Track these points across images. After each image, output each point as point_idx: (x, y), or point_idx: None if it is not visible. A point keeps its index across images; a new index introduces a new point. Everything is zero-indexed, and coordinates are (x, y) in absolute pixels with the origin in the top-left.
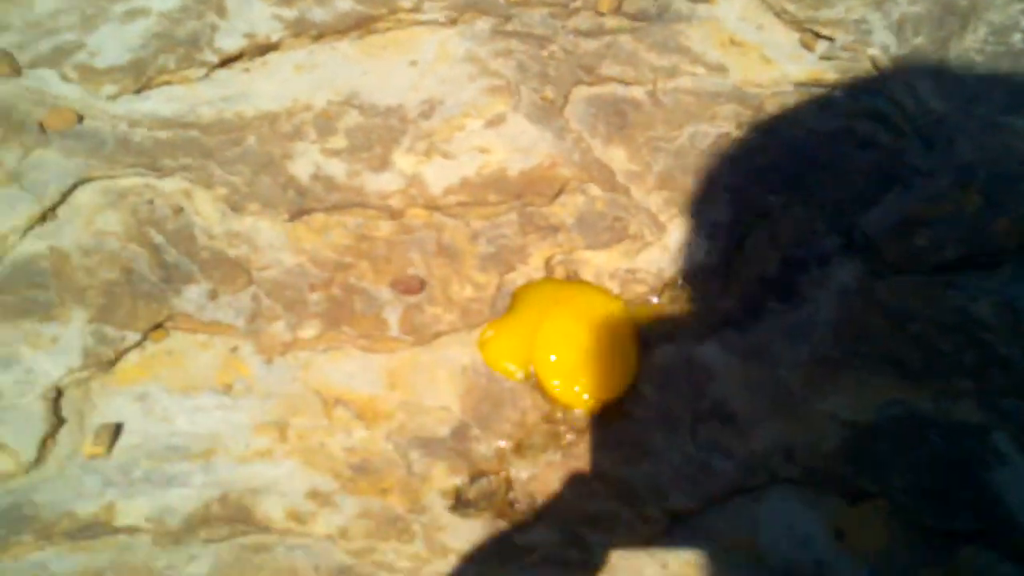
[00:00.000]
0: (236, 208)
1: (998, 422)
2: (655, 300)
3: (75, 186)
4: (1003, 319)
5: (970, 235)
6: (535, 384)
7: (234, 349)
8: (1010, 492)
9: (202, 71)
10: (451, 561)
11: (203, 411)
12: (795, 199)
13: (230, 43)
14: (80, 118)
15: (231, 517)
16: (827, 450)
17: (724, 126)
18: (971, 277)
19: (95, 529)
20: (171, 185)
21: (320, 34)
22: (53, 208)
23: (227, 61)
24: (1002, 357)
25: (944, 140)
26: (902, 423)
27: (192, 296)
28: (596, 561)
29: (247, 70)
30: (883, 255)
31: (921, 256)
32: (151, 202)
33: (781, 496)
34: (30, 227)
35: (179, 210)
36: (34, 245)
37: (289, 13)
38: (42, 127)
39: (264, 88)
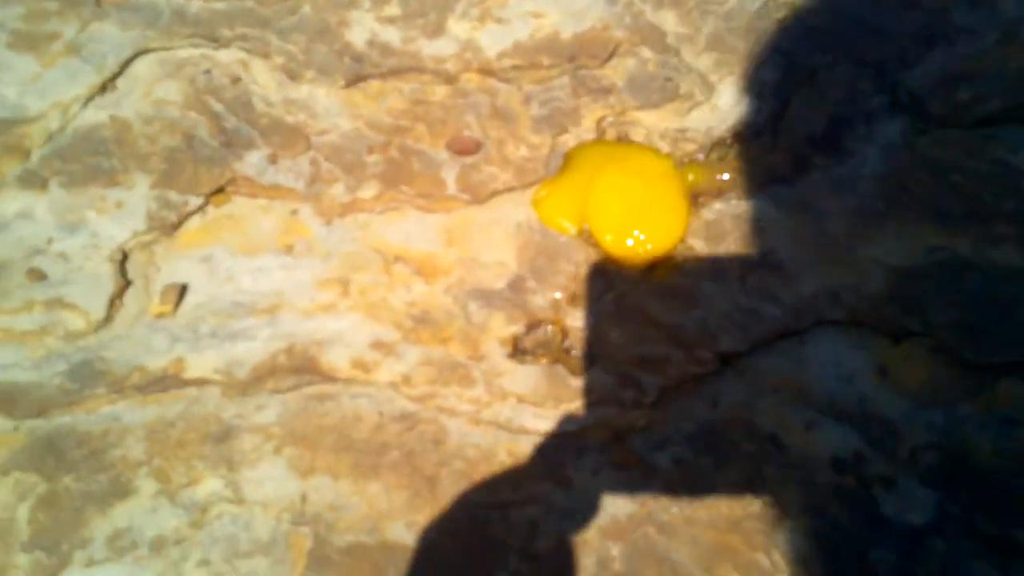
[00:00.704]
0: (293, 76)
1: None
2: (703, 158)
3: (133, 57)
4: None
5: (1013, 89)
6: (588, 239)
7: (294, 212)
8: None
9: None
10: (511, 403)
11: (266, 271)
12: (841, 59)
13: None
14: None
15: (297, 368)
16: (871, 293)
17: None
18: (1013, 130)
19: (165, 382)
20: (228, 55)
21: None
22: (112, 79)
23: None
24: None
25: None
26: (944, 267)
27: (252, 161)
28: (649, 400)
29: None
30: (927, 110)
31: (964, 110)
32: (208, 72)
33: (827, 337)
34: (91, 97)
35: (237, 79)
36: (96, 114)
37: None
38: (98, 1)
39: None
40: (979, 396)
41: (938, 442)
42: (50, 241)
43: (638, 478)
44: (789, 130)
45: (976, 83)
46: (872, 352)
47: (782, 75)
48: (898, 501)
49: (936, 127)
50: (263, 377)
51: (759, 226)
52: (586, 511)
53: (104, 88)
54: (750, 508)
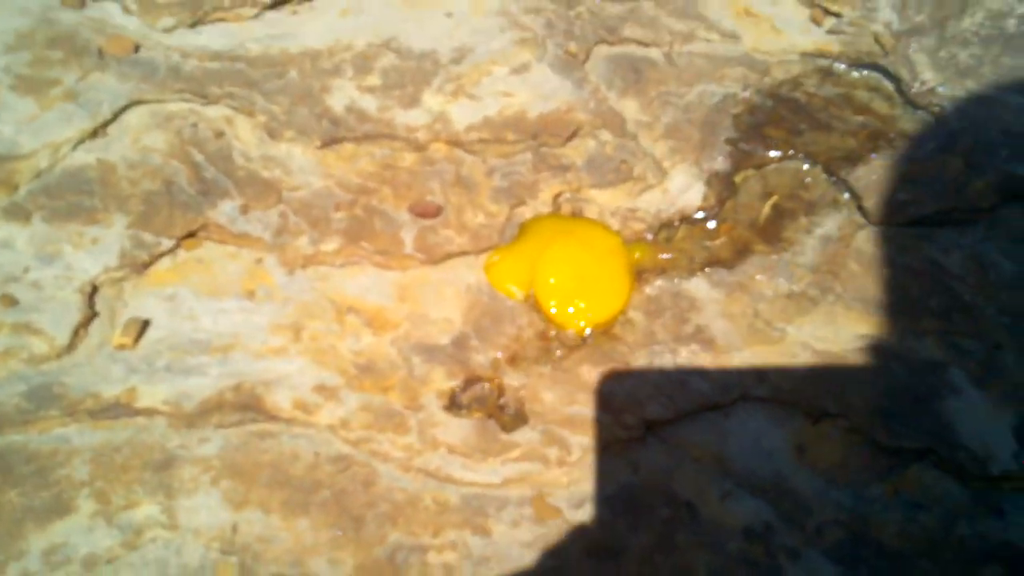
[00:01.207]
0: (273, 134)
1: (957, 359)
2: (651, 237)
3: (126, 107)
4: (971, 270)
5: (948, 194)
6: (533, 305)
7: (259, 260)
8: (960, 420)
9: (254, 10)
10: (441, 453)
11: (226, 313)
12: (790, 154)
13: None
14: (137, 47)
15: (242, 405)
16: (796, 374)
17: (732, 87)
18: (946, 232)
19: (116, 410)
20: (215, 111)
21: None
22: (104, 125)
23: (278, 3)
24: (966, 303)
25: (934, 109)
26: (868, 354)
27: (225, 210)
28: (573, 459)
29: (295, 12)
30: (866, 208)
31: (902, 210)
32: (195, 125)
33: (750, 413)
34: (81, 140)
35: (220, 134)
36: (84, 157)
37: None
38: (101, 53)
39: (310, 28)
40: (889, 478)
41: (846, 520)
42: (26, 270)
43: (555, 533)
44: (733, 217)
45: (915, 186)
46: (792, 429)
47: (732, 165)
48: (802, 573)
49: (873, 223)
50: (209, 411)
51: (696, 304)
52: (502, 560)
53: (96, 133)
54: (660, 570)
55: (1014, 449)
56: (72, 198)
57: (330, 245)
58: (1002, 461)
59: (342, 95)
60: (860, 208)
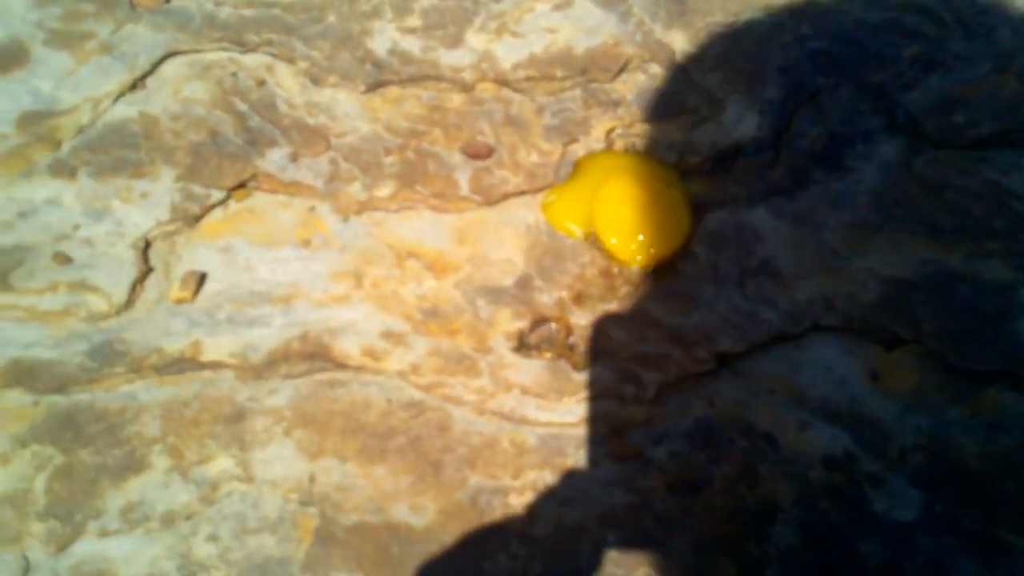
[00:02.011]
0: (316, 80)
1: None
2: (708, 170)
3: (163, 58)
4: None
5: (1005, 114)
6: (594, 242)
7: (312, 208)
8: None
9: None
10: (515, 394)
11: (283, 262)
12: (843, 81)
13: None
14: None
15: (310, 354)
16: (865, 301)
17: (779, 15)
18: (1005, 153)
19: (182, 364)
20: (254, 59)
21: None
22: (143, 77)
23: None
24: None
25: (985, 30)
26: (935, 278)
27: (274, 158)
28: (648, 396)
29: None
30: (923, 132)
31: (959, 133)
32: (235, 74)
33: (821, 342)
34: (122, 93)
35: (262, 82)
36: (125, 110)
37: None
38: (132, 4)
39: None
40: (966, 402)
41: (926, 444)
42: (76, 227)
43: (635, 470)
44: (790, 146)
45: (970, 108)
46: (864, 357)
47: (785, 94)
48: (886, 499)
49: (931, 148)
50: (276, 362)
51: (759, 235)
52: (584, 499)
53: (135, 86)
54: (744, 501)
55: None
56: (117, 152)
57: (384, 190)
58: None
59: (383, 38)
60: (917, 132)
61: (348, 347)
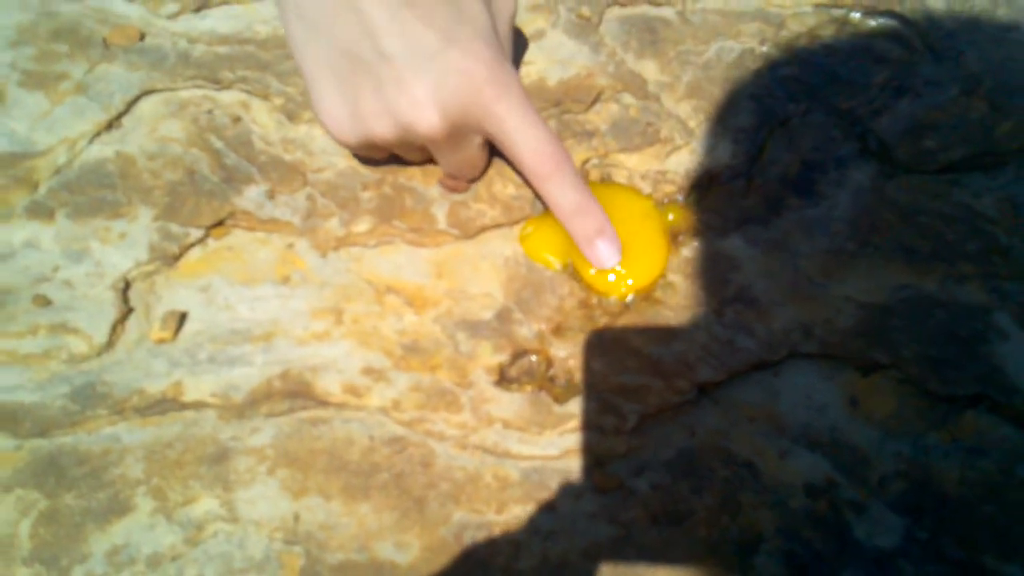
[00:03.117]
0: (291, 116)
1: (1000, 303)
2: (683, 199)
3: (139, 97)
4: (1005, 213)
5: (976, 138)
6: (572, 274)
7: (291, 245)
8: (1010, 363)
9: None
10: (497, 428)
11: (263, 300)
12: (814, 107)
13: None
14: (142, 35)
15: (292, 392)
16: (842, 328)
17: (748, 42)
18: (976, 176)
19: (164, 405)
20: (230, 96)
21: None
22: (119, 117)
23: None
24: (1003, 246)
25: (953, 54)
26: (911, 303)
27: (251, 196)
28: (629, 426)
29: None
30: (895, 157)
31: (930, 157)
32: (211, 112)
33: (799, 369)
34: (97, 133)
35: (237, 119)
36: (102, 150)
37: None
38: (106, 43)
39: None
40: (944, 427)
41: (906, 470)
42: (56, 269)
43: (618, 502)
44: (764, 173)
45: (940, 132)
46: (843, 384)
47: (757, 122)
48: (868, 526)
49: (903, 172)
50: (258, 401)
51: (735, 263)
52: (568, 533)
53: (110, 125)
54: (727, 532)
55: None
56: (94, 193)
57: (361, 226)
58: None
59: None
60: (889, 158)
61: (329, 384)
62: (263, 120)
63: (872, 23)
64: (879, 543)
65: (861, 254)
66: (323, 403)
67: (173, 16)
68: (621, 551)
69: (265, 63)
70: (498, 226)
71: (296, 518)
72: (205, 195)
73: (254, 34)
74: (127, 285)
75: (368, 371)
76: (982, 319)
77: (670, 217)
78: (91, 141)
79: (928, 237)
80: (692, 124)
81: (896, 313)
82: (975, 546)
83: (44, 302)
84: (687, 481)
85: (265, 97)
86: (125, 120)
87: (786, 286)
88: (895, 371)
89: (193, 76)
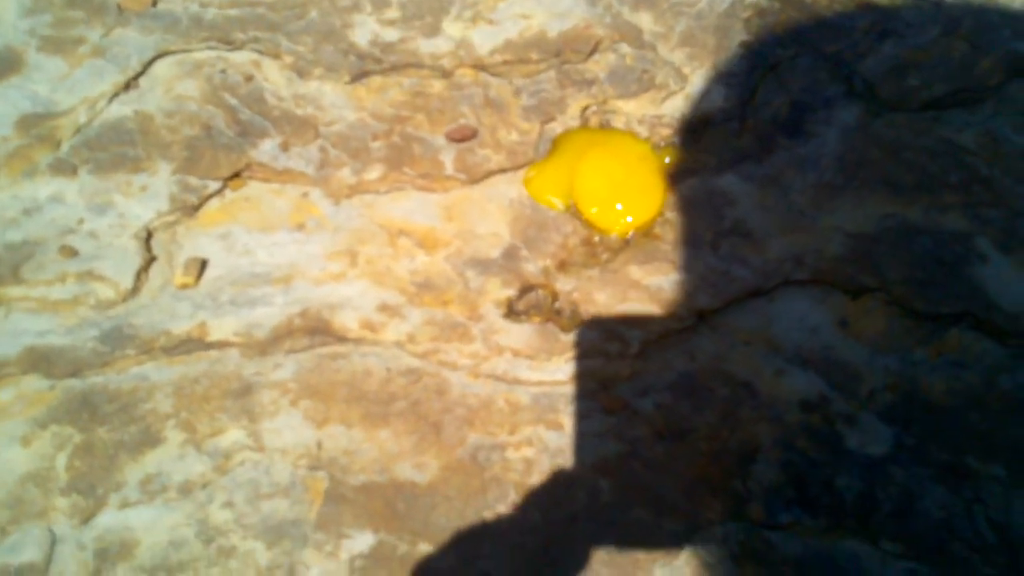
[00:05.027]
0: (302, 73)
1: (981, 228)
2: (678, 141)
3: (154, 59)
4: (985, 145)
5: (956, 75)
6: (575, 213)
7: (305, 194)
8: (991, 284)
9: None
10: (507, 357)
11: (280, 245)
12: (802, 52)
13: None
14: (155, 0)
15: (311, 329)
16: (832, 255)
17: None
18: (957, 112)
19: (189, 345)
20: (241, 56)
21: None
22: (136, 77)
23: None
24: (984, 176)
25: None
26: (897, 231)
27: (266, 148)
28: (633, 352)
29: None
30: (879, 96)
31: (913, 95)
32: (224, 71)
33: (792, 295)
34: (116, 94)
35: (250, 77)
36: (120, 109)
37: None
38: (120, 9)
39: None
40: (930, 343)
41: (894, 384)
42: (81, 221)
43: (624, 421)
44: (756, 115)
45: (922, 71)
46: (833, 307)
47: (748, 67)
48: (859, 436)
49: (888, 111)
50: (280, 338)
51: (730, 199)
52: (577, 451)
53: (128, 86)
54: (727, 444)
55: None
56: (115, 149)
57: (372, 174)
58: None
59: (364, 30)
60: (874, 97)
61: (347, 321)
62: (275, 78)
63: None
64: (870, 451)
65: (849, 187)
66: (341, 339)
67: None
68: (628, 465)
69: (275, 24)
70: (503, 171)
71: (319, 445)
72: (222, 149)
73: None
74: (149, 235)
75: (383, 308)
76: (964, 244)
77: (667, 159)
78: (110, 101)
79: (912, 170)
80: (686, 71)
81: (882, 241)
82: (960, 450)
83: (71, 252)
84: (689, 401)
85: (276, 56)
86: (142, 81)
87: (779, 219)
88: (883, 293)
89: (206, 38)
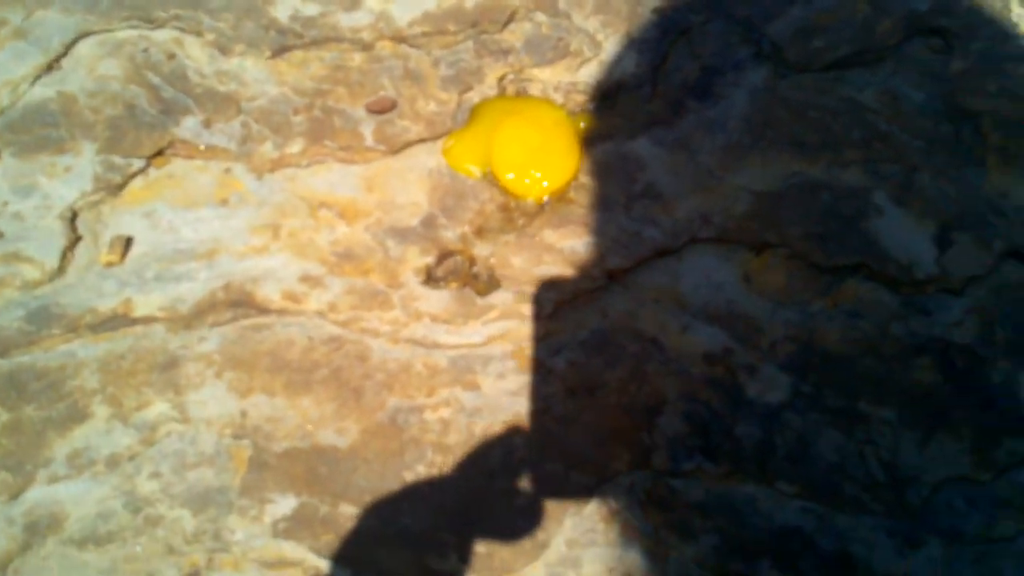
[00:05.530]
0: (223, 50)
1: (878, 183)
2: (593, 107)
3: (76, 40)
4: (885, 103)
5: (859, 36)
6: (492, 180)
7: (228, 169)
8: (886, 236)
9: None
10: (425, 323)
11: (204, 221)
12: (713, 17)
13: None
14: None
15: (234, 302)
16: (738, 214)
17: None
18: (859, 72)
19: (115, 321)
20: (164, 35)
21: None
22: (58, 59)
23: None
24: (883, 132)
25: None
26: (800, 188)
27: (189, 126)
28: (546, 313)
29: None
30: (786, 58)
31: (818, 56)
32: (146, 50)
33: (699, 253)
34: (38, 76)
35: (172, 55)
36: (43, 91)
37: None
38: None
39: None
40: (828, 294)
41: (794, 335)
42: (5, 204)
43: (538, 380)
44: (667, 80)
45: (827, 33)
46: (738, 263)
47: (660, 33)
48: (760, 385)
49: (794, 72)
50: (204, 312)
51: (642, 163)
52: (493, 409)
53: (50, 67)
54: (635, 398)
55: (935, 255)
56: (39, 131)
57: (294, 147)
58: (925, 267)
59: (285, 5)
60: (781, 59)
61: (269, 293)
62: (196, 55)
63: None
64: (769, 399)
65: (755, 148)
66: (264, 310)
67: None
68: (541, 421)
69: (196, 1)
70: (422, 140)
71: (243, 414)
72: (145, 127)
73: None
74: (74, 215)
75: (305, 279)
76: (862, 198)
77: (582, 125)
78: (32, 83)
79: (816, 129)
80: (600, 38)
81: (786, 198)
82: (853, 395)
83: None
84: (600, 357)
85: (198, 33)
86: (64, 62)
87: (688, 180)
88: (784, 248)
89: (127, 17)
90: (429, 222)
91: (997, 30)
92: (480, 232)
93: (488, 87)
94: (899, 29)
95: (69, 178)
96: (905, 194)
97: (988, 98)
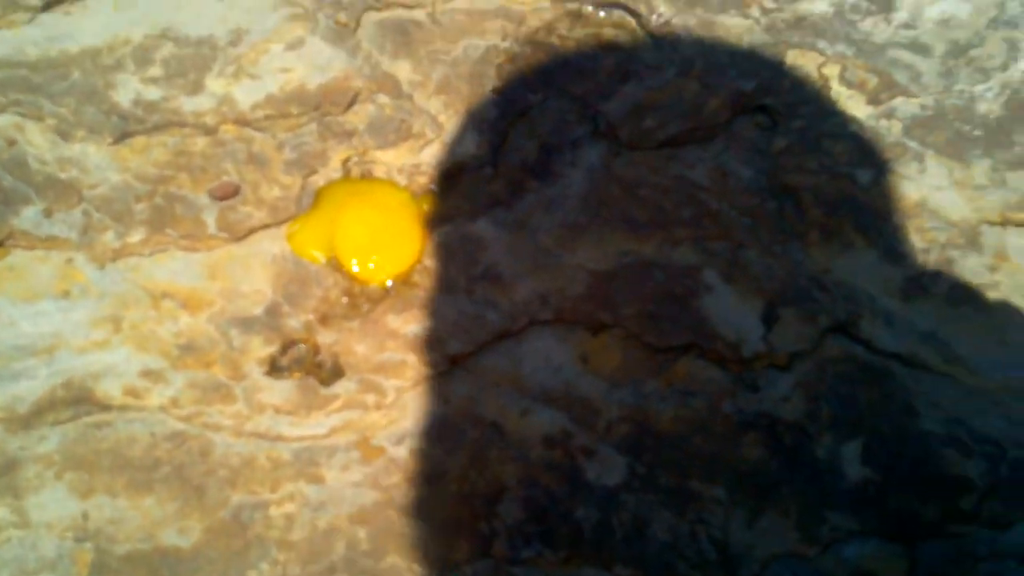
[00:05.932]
0: (65, 136)
1: (708, 261)
2: (436, 189)
3: None
4: (715, 180)
5: (689, 114)
6: (336, 266)
7: (70, 260)
8: (715, 314)
9: (27, 15)
10: (269, 415)
11: (44, 315)
12: (551, 95)
13: None
14: None
15: (74, 399)
16: (574, 294)
17: (493, 39)
18: (690, 149)
19: None
20: (3, 120)
21: None
22: None
23: (50, 5)
24: (713, 210)
25: (670, 39)
26: (633, 267)
27: (29, 215)
28: (389, 401)
29: (69, 12)
30: (620, 136)
31: (650, 134)
32: None
33: (538, 335)
34: None
35: (13, 142)
36: None
37: None
38: None
39: (86, 27)
40: (661, 374)
41: (629, 415)
42: None
43: (382, 470)
44: (507, 160)
45: (659, 111)
46: (575, 344)
47: (500, 112)
48: (597, 467)
49: (628, 150)
50: (43, 411)
51: (483, 244)
52: (337, 502)
53: None
54: (475, 486)
55: (762, 332)
56: None
57: (136, 236)
58: (752, 344)
59: (127, 89)
60: (615, 137)
61: (110, 389)
62: (38, 141)
63: (602, 14)
64: (606, 481)
65: (591, 227)
66: (105, 407)
67: None
68: (384, 512)
69: (37, 85)
70: (266, 227)
71: (85, 516)
72: None
73: (25, 57)
74: None
75: (146, 373)
76: (693, 277)
77: (424, 206)
78: None
79: (648, 207)
80: (442, 119)
81: (620, 277)
82: (685, 474)
83: None
84: (442, 445)
85: (39, 118)
86: None
87: (527, 260)
88: (619, 329)
89: None
90: (273, 310)
91: (817, 108)
92: (324, 319)
93: (332, 170)
94: (727, 107)
95: None
96: (733, 271)
97: (808, 174)
